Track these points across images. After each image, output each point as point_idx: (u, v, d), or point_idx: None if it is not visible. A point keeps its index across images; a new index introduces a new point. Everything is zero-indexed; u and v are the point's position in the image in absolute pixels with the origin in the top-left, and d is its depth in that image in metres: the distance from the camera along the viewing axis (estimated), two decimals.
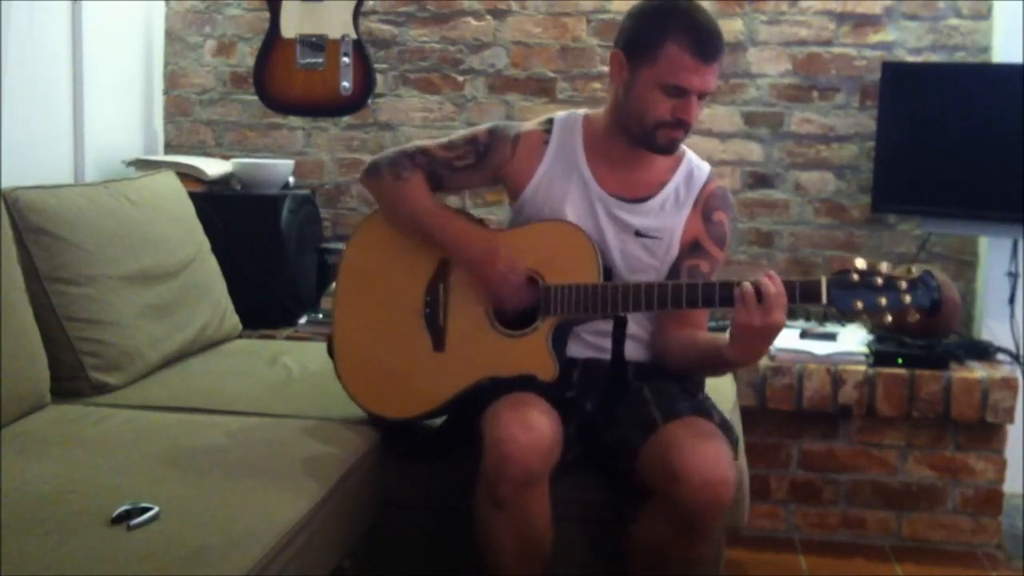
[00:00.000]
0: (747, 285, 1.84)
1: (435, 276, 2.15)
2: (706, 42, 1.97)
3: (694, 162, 2.18)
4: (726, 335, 1.92)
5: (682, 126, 2.02)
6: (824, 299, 1.84)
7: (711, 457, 1.85)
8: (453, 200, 2.26)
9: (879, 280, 1.82)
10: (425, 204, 2.15)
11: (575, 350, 2.14)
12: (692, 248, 2.14)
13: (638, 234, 2.12)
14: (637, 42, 2.02)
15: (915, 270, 1.83)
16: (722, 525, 1.91)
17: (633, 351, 2.15)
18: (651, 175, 2.15)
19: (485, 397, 2.01)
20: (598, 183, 2.13)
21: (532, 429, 1.88)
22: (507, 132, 2.18)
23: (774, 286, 1.83)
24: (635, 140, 2.08)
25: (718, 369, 2.12)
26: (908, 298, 1.81)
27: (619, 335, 2.10)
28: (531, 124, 2.21)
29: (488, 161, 2.16)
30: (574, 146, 2.15)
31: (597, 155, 2.14)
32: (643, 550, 1.99)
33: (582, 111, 2.21)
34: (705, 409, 2.05)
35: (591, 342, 2.15)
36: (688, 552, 1.93)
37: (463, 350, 2.11)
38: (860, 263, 1.84)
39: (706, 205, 2.15)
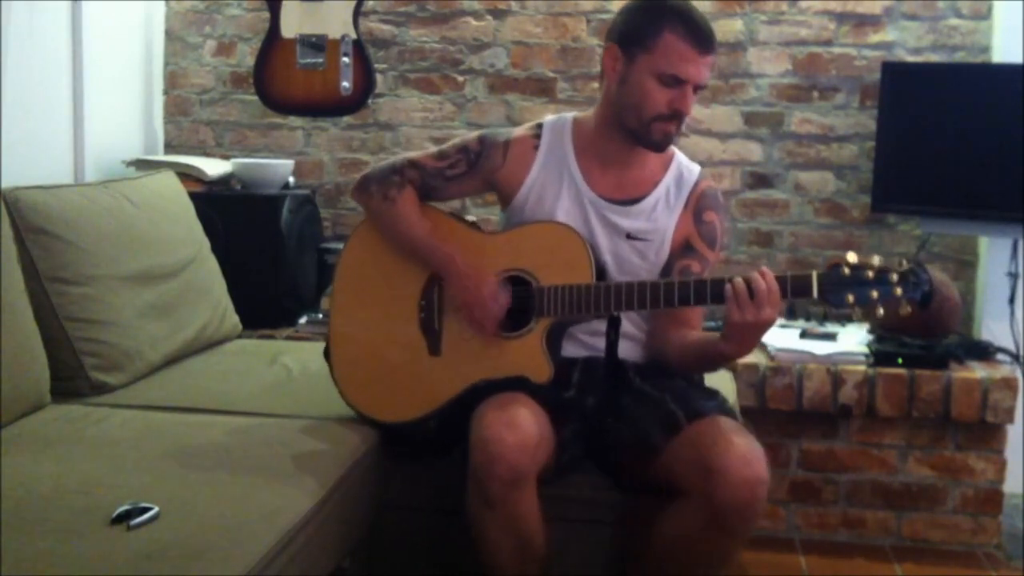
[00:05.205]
0: (739, 281, 1.85)
1: (430, 280, 2.15)
2: (702, 33, 2.00)
3: (684, 163, 2.19)
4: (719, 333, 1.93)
5: (677, 118, 2.03)
6: (815, 293, 1.85)
7: (748, 455, 1.84)
8: (446, 204, 2.26)
9: (870, 273, 1.83)
10: (413, 229, 2.15)
11: (572, 350, 2.14)
12: (683, 249, 2.15)
13: (629, 237, 2.12)
14: (633, 33, 2.02)
15: (906, 263, 1.84)
16: (756, 524, 1.90)
17: (630, 351, 2.15)
18: (642, 175, 2.15)
19: (480, 400, 2.00)
20: (589, 185, 2.13)
21: (518, 428, 1.88)
22: (497, 138, 2.19)
23: (765, 282, 1.84)
24: (630, 135, 2.08)
25: (713, 364, 2.15)
26: (899, 290, 1.82)
27: (613, 335, 2.11)
28: (521, 129, 2.21)
29: (480, 168, 2.17)
30: (564, 149, 2.16)
31: (588, 157, 2.15)
32: (669, 549, 1.96)
33: (571, 114, 2.21)
34: (728, 409, 2.06)
35: (587, 342, 2.15)
36: (718, 550, 1.91)
37: (459, 353, 2.11)
38: (851, 257, 1.85)
39: (697, 205, 2.16)
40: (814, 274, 1.86)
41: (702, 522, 1.87)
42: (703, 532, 1.88)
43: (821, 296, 1.85)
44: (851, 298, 1.83)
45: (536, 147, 2.17)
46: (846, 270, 1.84)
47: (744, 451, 1.85)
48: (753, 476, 1.82)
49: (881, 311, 1.83)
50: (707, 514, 1.86)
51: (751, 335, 1.89)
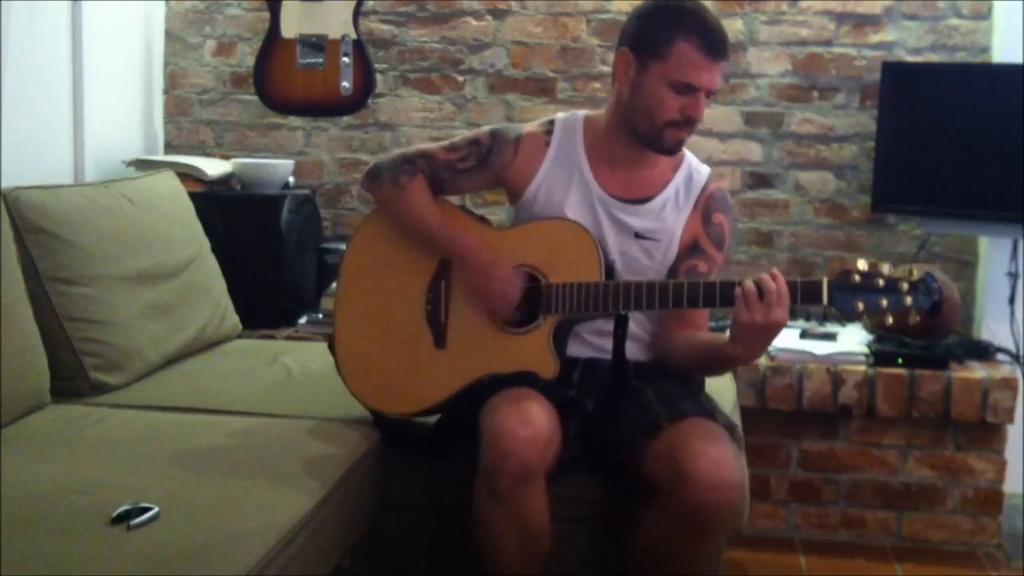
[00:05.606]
0: (749, 283, 1.85)
1: (437, 273, 2.15)
2: (715, 40, 2.00)
3: (694, 164, 2.19)
4: (727, 334, 1.93)
5: (689, 124, 2.04)
6: (825, 300, 1.85)
7: (720, 460, 1.85)
8: (453, 199, 2.27)
9: (880, 281, 1.83)
10: (425, 214, 2.15)
11: (576, 350, 2.14)
12: (691, 249, 2.15)
13: (637, 236, 2.12)
14: (646, 40, 2.02)
15: (916, 272, 1.84)
16: (730, 527, 1.91)
17: (633, 351, 2.15)
18: (652, 176, 2.15)
19: (485, 393, 2.01)
20: (599, 184, 2.13)
21: (530, 424, 1.88)
22: (509, 134, 2.18)
23: (776, 284, 1.84)
24: (641, 140, 2.08)
25: (720, 367, 2.14)
26: (909, 299, 1.82)
27: (620, 334, 2.11)
28: (532, 125, 2.21)
29: (490, 163, 2.17)
30: (575, 147, 2.16)
31: (598, 156, 2.15)
32: (646, 550, 1.98)
33: (582, 112, 2.21)
34: (710, 410, 2.06)
35: (592, 342, 2.15)
36: (692, 553, 1.92)
37: (464, 347, 2.12)
38: (862, 264, 1.85)
39: (706, 207, 2.16)
40: (824, 280, 1.86)
41: (675, 525, 1.89)
42: (677, 534, 1.90)
43: (831, 303, 1.85)
44: (861, 306, 1.84)
45: (547, 144, 2.17)
46: (856, 277, 1.84)
47: (715, 456, 1.85)
48: (723, 480, 1.83)
49: (890, 319, 1.84)
50: (679, 517, 1.87)
51: (760, 337, 1.88)
